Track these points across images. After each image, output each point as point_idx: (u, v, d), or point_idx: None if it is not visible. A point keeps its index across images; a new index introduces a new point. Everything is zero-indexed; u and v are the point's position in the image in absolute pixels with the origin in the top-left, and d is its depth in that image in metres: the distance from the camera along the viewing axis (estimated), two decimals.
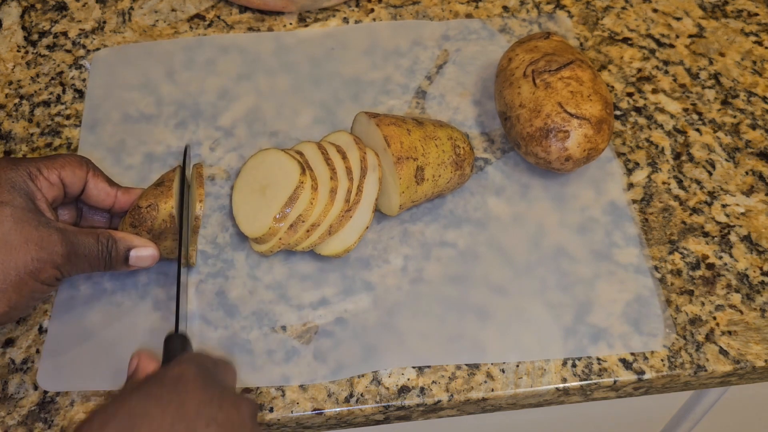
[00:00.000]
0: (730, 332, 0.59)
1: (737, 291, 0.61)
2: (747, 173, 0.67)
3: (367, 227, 0.60)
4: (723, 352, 0.58)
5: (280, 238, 0.59)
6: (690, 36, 0.76)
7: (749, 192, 0.66)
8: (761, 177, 0.67)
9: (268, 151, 0.61)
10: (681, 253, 0.63)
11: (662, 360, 0.58)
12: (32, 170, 0.54)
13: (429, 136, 0.61)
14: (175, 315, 0.53)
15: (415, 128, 0.61)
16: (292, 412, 0.56)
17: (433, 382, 0.57)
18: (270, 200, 0.59)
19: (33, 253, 0.51)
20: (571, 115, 0.61)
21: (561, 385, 0.57)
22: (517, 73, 0.64)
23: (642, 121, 0.70)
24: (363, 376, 0.57)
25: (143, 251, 0.57)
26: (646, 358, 0.58)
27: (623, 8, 0.77)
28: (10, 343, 0.58)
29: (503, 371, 0.57)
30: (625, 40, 0.75)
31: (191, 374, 0.44)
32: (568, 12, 0.77)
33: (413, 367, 0.57)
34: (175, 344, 0.51)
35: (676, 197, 0.66)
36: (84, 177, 0.56)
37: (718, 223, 0.64)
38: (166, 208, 0.57)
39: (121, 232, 0.56)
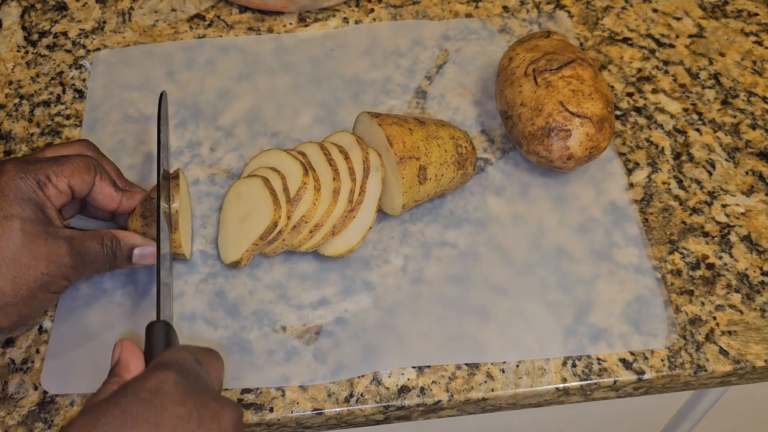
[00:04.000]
0: (730, 332, 0.59)
1: (737, 291, 0.61)
2: (747, 173, 0.67)
3: (371, 227, 0.60)
4: (723, 352, 0.58)
5: (283, 239, 0.59)
6: (690, 36, 0.76)
7: (749, 192, 0.66)
8: (761, 177, 0.67)
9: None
10: (681, 253, 0.63)
11: (662, 360, 0.58)
12: (41, 179, 0.53)
13: (431, 135, 0.61)
14: (156, 300, 0.51)
15: (418, 128, 0.61)
16: (292, 412, 0.56)
17: (433, 382, 0.57)
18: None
19: (43, 268, 0.52)
20: (573, 113, 0.61)
21: (561, 385, 0.57)
22: (518, 72, 0.64)
23: (642, 121, 0.70)
24: (363, 376, 0.57)
25: (146, 250, 0.57)
26: (646, 358, 0.58)
27: (623, 8, 0.77)
28: (10, 343, 0.58)
29: (503, 371, 0.57)
30: (625, 40, 0.75)
31: (170, 385, 0.42)
32: (568, 12, 0.77)
33: (413, 367, 0.57)
34: (158, 333, 0.48)
35: (676, 197, 0.66)
36: (91, 182, 0.56)
37: (718, 223, 0.64)
38: (176, 200, 0.58)
39: (124, 231, 0.57)
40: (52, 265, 0.52)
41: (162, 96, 0.61)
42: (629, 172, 0.67)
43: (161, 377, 0.43)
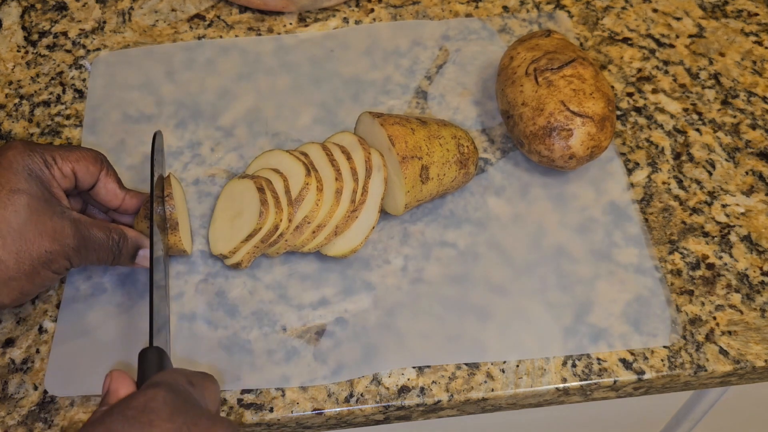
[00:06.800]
0: (730, 332, 0.59)
1: (737, 291, 0.61)
2: (747, 173, 0.67)
3: (373, 227, 0.60)
4: (723, 352, 0.58)
5: (286, 240, 0.59)
6: (690, 36, 0.76)
7: (749, 192, 0.66)
8: (761, 177, 0.67)
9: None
10: (681, 253, 0.63)
11: (662, 360, 0.58)
12: (48, 158, 0.54)
13: (433, 135, 0.61)
14: (149, 326, 0.50)
15: (420, 127, 0.61)
16: (292, 412, 0.56)
17: (433, 382, 0.57)
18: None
19: (47, 245, 0.52)
20: (574, 113, 0.61)
21: (561, 385, 0.57)
22: (519, 71, 0.64)
23: (642, 121, 0.70)
24: (363, 376, 0.57)
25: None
26: (646, 358, 0.58)
27: (623, 8, 0.78)
28: (10, 343, 0.58)
29: (503, 371, 0.57)
30: (625, 40, 0.75)
31: (158, 402, 0.41)
32: (568, 12, 0.77)
33: (413, 367, 0.57)
34: (151, 360, 0.47)
35: (676, 197, 0.66)
36: (97, 174, 0.57)
37: (718, 223, 0.64)
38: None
39: (134, 231, 0.57)
40: (55, 243, 0.52)
41: (156, 136, 0.60)
42: (629, 172, 0.67)
43: (149, 395, 0.42)
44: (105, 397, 0.45)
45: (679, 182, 0.66)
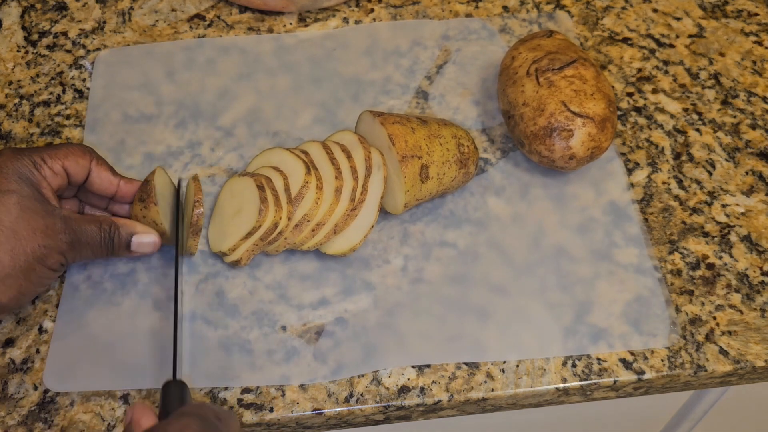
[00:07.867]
0: (730, 332, 0.59)
1: (737, 291, 0.61)
2: (747, 173, 0.67)
3: (373, 226, 0.60)
4: (723, 352, 0.58)
5: (285, 238, 0.59)
6: (690, 36, 0.76)
7: (749, 192, 0.66)
8: (761, 177, 0.67)
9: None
10: (681, 253, 0.63)
11: (662, 360, 0.58)
12: (36, 160, 0.55)
13: (433, 134, 0.61)
14: (173, 360, 0.52)
15: (420, 127, 0.61)
16: (292, 412, 0.56)
17: (433, 382, 0.57)
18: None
19: (40, 240, 0.53)
20: (575, 113, 0.61)
21: (561, 385, 0.57)
22: (520, 71, 0.64)
23: (642, 121, 0.70)
24: (363, 375, 0.57)
25: (145, 237, 0.58)
26: (646, 358, 0.58)
27: (623, 8, 0.78)
28: (10, 343, 0.58)
29: (503, 371, 0.57)
30: (625, 40, 0.75)
31: (192, 429, 0.43)
32: (569, 12, 0.77)
33: (413, 367, 0.57)
34: (173, 392, 0.49)
35: (676, 197, 0.66)
36: (87, 166, 0.57)
37: (718, 223, 0.64)
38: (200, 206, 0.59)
39: (124, 219, 0.58)
40: (48, 238, 0.53)
41: (180, 184, 0.62)
42: (629, 172, 0.67)
43: (184, 422, 0.44)
44: (128, 427, 0.47)
45: (679, 182, 0.66)
